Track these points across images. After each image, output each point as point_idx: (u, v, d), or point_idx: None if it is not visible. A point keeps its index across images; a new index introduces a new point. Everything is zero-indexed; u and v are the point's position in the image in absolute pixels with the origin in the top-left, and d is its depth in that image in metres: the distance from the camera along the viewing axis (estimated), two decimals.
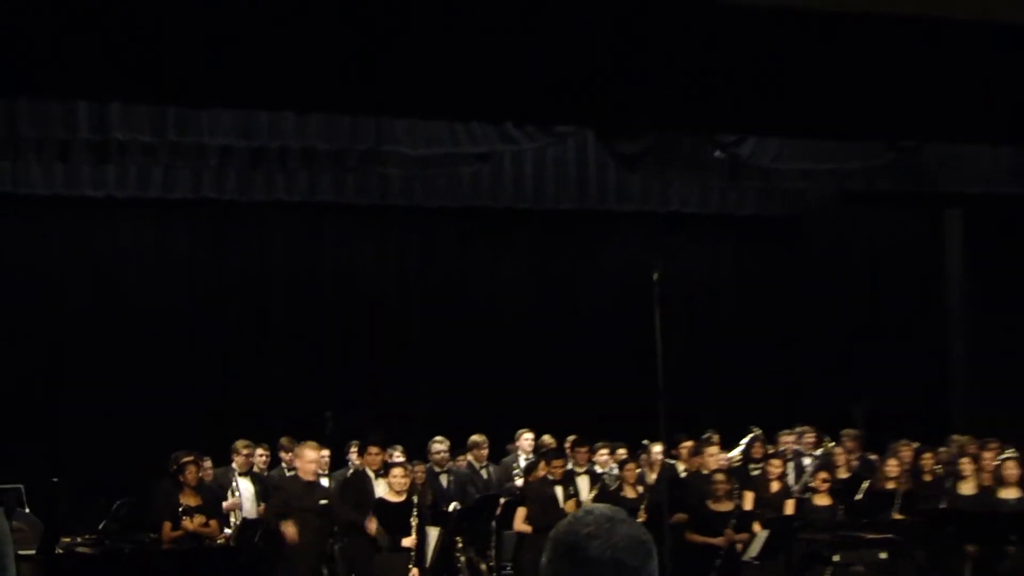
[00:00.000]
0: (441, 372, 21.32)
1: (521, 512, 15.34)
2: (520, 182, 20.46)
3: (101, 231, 19.96)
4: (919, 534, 15.00)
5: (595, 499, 15.65)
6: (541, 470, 15.59)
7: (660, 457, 15.92)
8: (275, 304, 21.14)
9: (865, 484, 16.00)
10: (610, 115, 14.59)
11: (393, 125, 17.20)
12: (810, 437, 18.08)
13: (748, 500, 15.62)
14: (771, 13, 9.53)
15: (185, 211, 19.98)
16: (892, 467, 16.00)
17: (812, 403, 20.44)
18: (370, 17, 9.71)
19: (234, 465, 16.49)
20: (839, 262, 23.40)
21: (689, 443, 16.93)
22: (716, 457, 16.29)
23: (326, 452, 16.84)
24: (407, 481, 14.47)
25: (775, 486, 15.89)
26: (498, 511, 15.92)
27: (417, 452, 16.85)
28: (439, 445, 17.24)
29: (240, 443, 16.62)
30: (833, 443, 17.85)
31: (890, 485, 15.79)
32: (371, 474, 15.26)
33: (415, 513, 14.24)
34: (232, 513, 15.63)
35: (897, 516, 15.37)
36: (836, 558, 14.79)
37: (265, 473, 16.62)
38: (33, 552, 13.41)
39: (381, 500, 14.42)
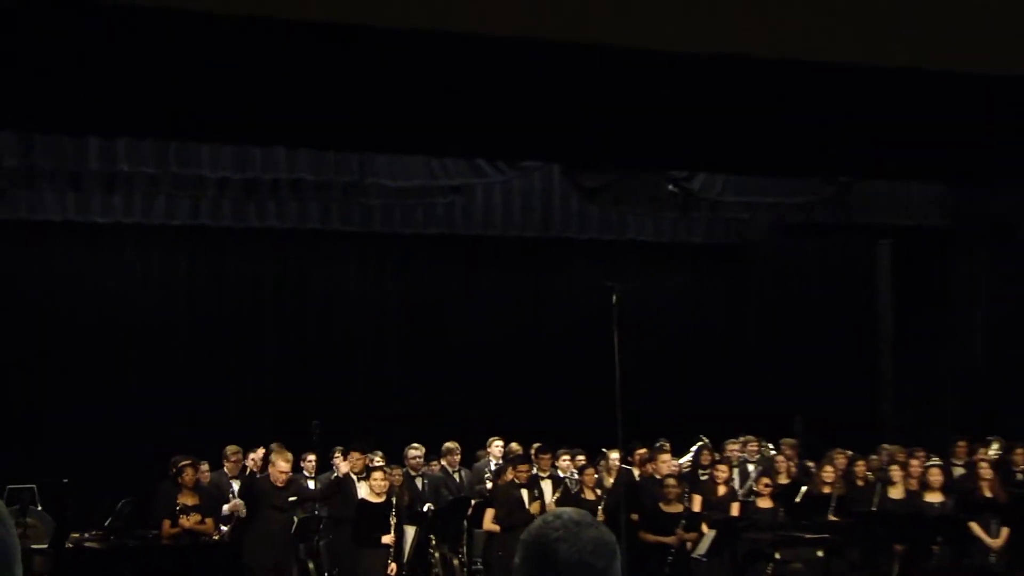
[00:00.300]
0: (417, 384, 21.32)
1: (490, 513, 15.35)
2: (490, 212, 20.52)
3: (108, 253, 19.93)
4: (852, 534, 15.02)
5: (557, 501, 15.67)
6: (508, 474, 15.59)
7: (617, 463, 15.95)
8: (267, 321, 21.11)
9: (803, 489, 16.02)
10: (573, 152, 14.65)
11: (375, 159, 17.28)
12: (753, 445, 18.10)
13: (697, 502, 15.64)
14: (716, 62, 9.57)
15: (185, 236, 19.97)
16: (828, 473, 16.03)
17: (755, 415, 20.48)
18: (354, 63, 9.76)
19: (225, 469, 16.50)
20: (780, 287, 23.48)
21: (643, 450, 16.95)
22: (668, 463, 16.31)
23: (312, 456, 16.86)
24: (386, 484, 14.47)
25: (721, 490, 15.90)
26: (469, 511, 15.92)
27: (395, 457, 16.84)
28: (415, 451, 17.24)
29: (230, 448, 16.62)
30: (774, 450, 17.87)
31: (826, 489, 15.82)
32: (354, 477, 15.26)
33: (394, 513, 14.23)
34: (235, 514, 15.60)
35: (832, 518, 15.38)
36: (777, 555, 14.83)
37: (258, 475, 16.61)
38: (45, 546, 13.44)
39: (363, 501, 14.43)
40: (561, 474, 16.66)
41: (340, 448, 16.69)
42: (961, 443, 17.73)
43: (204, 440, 16.75)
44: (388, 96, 10.41)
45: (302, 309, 21.25)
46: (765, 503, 15.75)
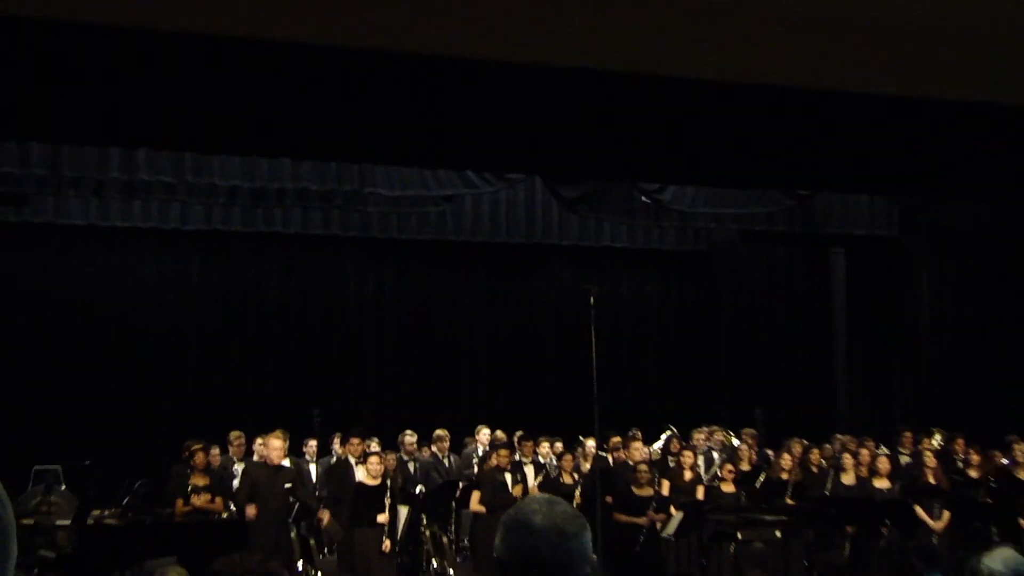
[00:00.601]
0: (411, 377, 21.37)
1: (476, 495, 15.34)
2: (478, 219, 20.54)
3: (128, 255, 19.92)
4: (807, 516, 15.03)
5: (539, 485, 15.71)
6: (493, 460, 15.59)
7: (593, 450, 15.95)
8: (272, 318, 21.11)
9: (763, 475, 16.04)
10: (554, 166, 14.68)
11: (373, 171, 17.28)
12: (718, 435, 18.11)
13: (665, 487, 15.64)
14: (686, 86, 9.61)
15: (198, 240, 19.96)
16: (785, 460, 16.05)
17: (719, 407, 20.52)
18: (355, 83, 9.78)
19: (231, 453, 16.51)
20: (743, 291, 23.54)
21: (617, 438, 16.94)
22: (639, 450, 16.30)
23: (313, 442, 16.89)
24: (382, 467, 14.46)
25: (688, 475, 15.91)
26: (457, 493, 15.93)
27: (390, 443, 16.85)
28: (409, 437, 17.28)
29: (233, 434, 16.63)
30: (736, 440, 17.89)
31: (784, 476, 15.83)
32: (352, 461, 15.26)
33: (388, 494, 14.23)
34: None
35: (789, 501, 15.38)
36: (739, 536, 14.82)
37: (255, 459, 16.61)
38: (68, 522, 13.41)
39: (360, 483, 14.41)
40: (542, 460, 16.67)
41: (339, 434, 16.73)
42: (907, 434, 17.78)
43: (214, 427, 16.74)
44: (386, 113, 10.45)
45: (305, 307, 21.26)
46: (728, 488, 15.75)
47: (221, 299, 20.84)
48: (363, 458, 14.80)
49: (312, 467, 16.79)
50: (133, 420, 18.43)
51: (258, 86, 9.78)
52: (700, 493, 15.68)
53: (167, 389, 19.35)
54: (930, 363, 20.85)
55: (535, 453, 16.70)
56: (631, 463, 15.87)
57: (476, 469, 16.87)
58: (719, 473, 16.36)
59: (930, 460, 15.74)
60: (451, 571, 15.79)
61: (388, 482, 14.34)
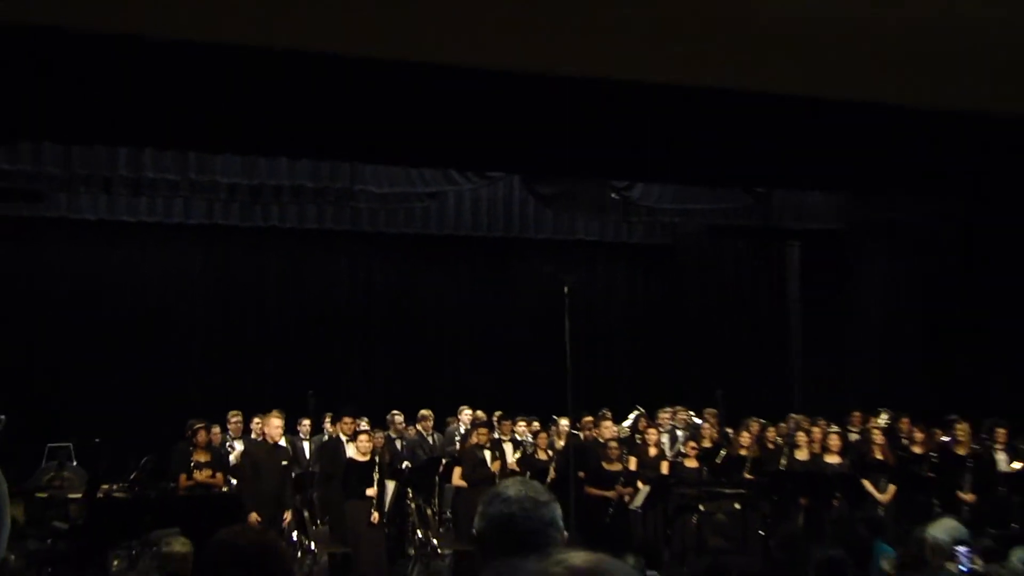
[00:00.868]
0: (398, 361, 21.38)
1: (458, 470, 15.35)
2: (460, 214, 20.57)
3: (135, 247, 19.87)
4: (764, 489, 15.06)
5: (517, 461, 15.75)
6: (474, 438, 15.61)
7: (566, 428, 15.95)
8: (270, 307, 21.10)
9: (723, 451, 16.06)
10: (532, 165, 14.71)
11: (363, 169, 17.30)
12: (682, 414, 18.11)
13: (633, 462, 15.66)
14: (656, 91, 9.67)
15: (200, 233, 19.94)
16: (744, 438, 16.07)
17: (683, 388, 20.53)
18: (348, 86, 9.79)
19: (229, 432, 16.50)
20: (706, 281, 23.56)
21: (589, 418, 16.95)
22: (609, 428, 16.31)
23: (307, 421, 16.88)
24: (371, 444, 14.45)
25: (654, 451, 15.92)
26: (440, 469, 15.95)
27: (379, 422, 16.84)
28: (396, 417, 17.27)
29: (231, 414, 16.60)
30: (698, 419, 17.90)
31: (742, 452, 15.85)
32: (343, 439, 15.27)
33: (377, 470, 14.24)
34: None
35: (748, 476, 15.42)
36: (701, 507, 14.87)
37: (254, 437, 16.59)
38: (80, 496, 13.41)
39: (351, 459, 14.41)
40: (519, 437, 16.68)
41: (331, 414, 16.74)
42: (856, 413, 17.81)
43: (215, 407, 16.72)
44: (375, 116, 10.47)
45: (300, 296, 21.23)
46: (691, 463, 15.78)
47: (222, 289, 20.81)
48: (353, 436, 14.80)
49: (306, 444, 16.80)
50: (140, 401, 18.40)
51: (257, 91, 9.79)
52: (665, 468, 15.71)
53: (171, 372, 19.34)
54: (878, 348, 20.91)
55: (512, 432, 16.70)
56: (602, 440, 15.89)
57: (458, 446, 16.88)
58: (683, 450, 16.40)
59: (877, 437, 15.78)
60: (435, 541, 15.84)
61: (377, 458, 14.34)
